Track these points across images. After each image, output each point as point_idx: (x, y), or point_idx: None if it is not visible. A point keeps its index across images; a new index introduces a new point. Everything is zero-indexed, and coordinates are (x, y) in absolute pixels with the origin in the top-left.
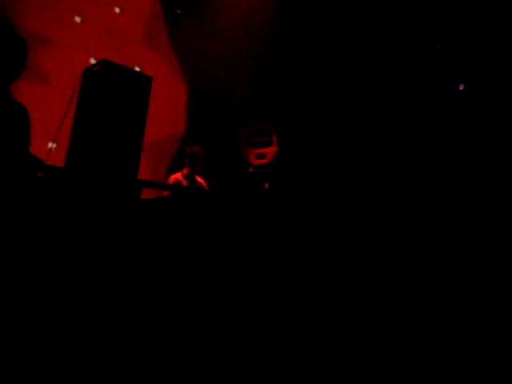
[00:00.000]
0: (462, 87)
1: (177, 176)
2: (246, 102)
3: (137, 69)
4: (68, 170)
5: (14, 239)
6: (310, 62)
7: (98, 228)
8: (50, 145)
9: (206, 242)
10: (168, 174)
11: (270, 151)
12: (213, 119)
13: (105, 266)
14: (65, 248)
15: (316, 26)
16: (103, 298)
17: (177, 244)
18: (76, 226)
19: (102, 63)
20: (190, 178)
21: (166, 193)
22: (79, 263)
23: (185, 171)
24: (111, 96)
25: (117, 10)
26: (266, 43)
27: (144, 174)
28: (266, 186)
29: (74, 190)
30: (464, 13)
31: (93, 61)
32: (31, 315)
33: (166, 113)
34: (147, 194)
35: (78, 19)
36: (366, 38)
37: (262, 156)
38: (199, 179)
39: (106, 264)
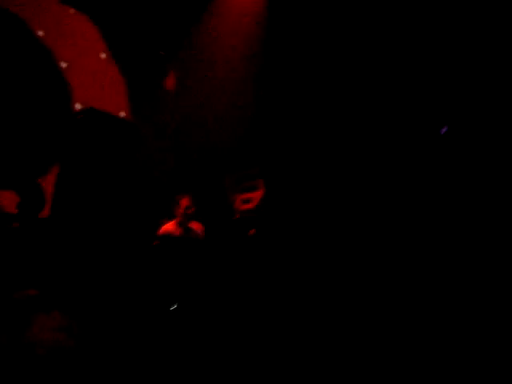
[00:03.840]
0: (444, 130)
1: (168, 226)
2: (233, 147)
3: (122, 114)
4: (52, 220)
5: None
6: (295, 109)
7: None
8: None
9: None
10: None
11: (257, 196)
12: (199, 164)
13: None
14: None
15: (298, 73)
16: None
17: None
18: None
19: (87, 111)
20: (182, 225)
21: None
22: None
23: (176, 220)
24: (96, 144)
25: (103, 55)
26: (253, 91)
27: None
28: (252, 232)
29: (57, 238)
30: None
31: (78, 106)
32: None
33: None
34: None
35: (63, 64)
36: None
37: (248, 201)
38: (195, 225)
39: None
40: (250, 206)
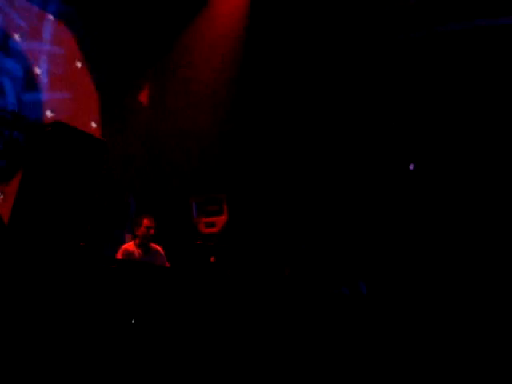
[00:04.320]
0: (411, 167)
1: (128, 246)
2: (198, 170)
3: (93, 125)
4: (10, 229)
5: None
6: (261, 134)
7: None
8: None
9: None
10: None
11: (220, 220)
12: (164, 186)
13: None
14: None
15: (271, 100)
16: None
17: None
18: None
19: (54, 124)
20: (142, 246)
21: (118, 255)
22: None
23: (137, 241)
24: (62, 158)
25: (78, 64)
26: (221, 113)
27: None
28: (212, 259)
29: (15, 249)
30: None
31: (49, 113)
32: None
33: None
34: None
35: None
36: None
37: (212, 225)
38: (154, 246)
39: None
40: (213, 230)
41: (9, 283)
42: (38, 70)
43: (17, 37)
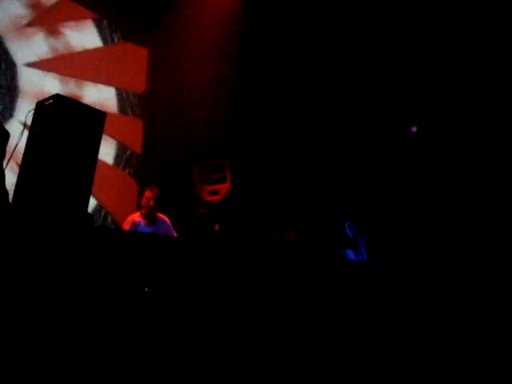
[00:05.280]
0: (414, 129)
1: (134, 217)
2: (201, 137)
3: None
4: (14, 204)
5: None
6: (266, 100)
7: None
8: None
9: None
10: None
11: (223, 188)
12: (167, 154)
13: None
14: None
15: (273, 67)
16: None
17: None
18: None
19: (55, 97)
20: (149, 216)
21: (125, 225)
22: None
23: (143, 211)
24: (63, 131)
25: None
26: (224, 80)
27: None
28: (217, 227)
29: (20, 223)
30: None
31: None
32: None
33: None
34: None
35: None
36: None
37: (215, 193)
38: (161, 216)
39: None
40: (216, 197)
41: (15, 256)
42: None
43: None
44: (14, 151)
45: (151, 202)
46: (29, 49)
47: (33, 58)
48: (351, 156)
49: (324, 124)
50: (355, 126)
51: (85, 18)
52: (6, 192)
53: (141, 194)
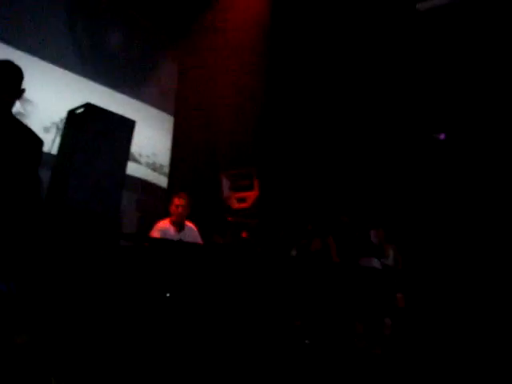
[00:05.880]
0: (443, 137)
1: (164, 223)
2: (229, 145)
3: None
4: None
5: None
6: (294, 107)
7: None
8: None
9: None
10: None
11: (251, 196)
12: (196, 161)
13: None
14: None
15: (301, 72)
16: None
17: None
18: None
19: (86, 106)
20: (178, 223)
21: (153, 232)
22: None
23: (172, 218)
24: (94, 139)
25: None
26: (252, 88)
27: None
28: (245, 235)
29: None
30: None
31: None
32: None
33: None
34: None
35: None
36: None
37: (243, 200)
38: (189, 224)
39: None
40: (244, 205)
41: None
42: None
43: None
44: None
45: (180, 209)
46: None
47: None
48: (379, 164)
49: (352, 132)
50: (384, 135)
51: None
52: (40, 199)
53: (169, 202)
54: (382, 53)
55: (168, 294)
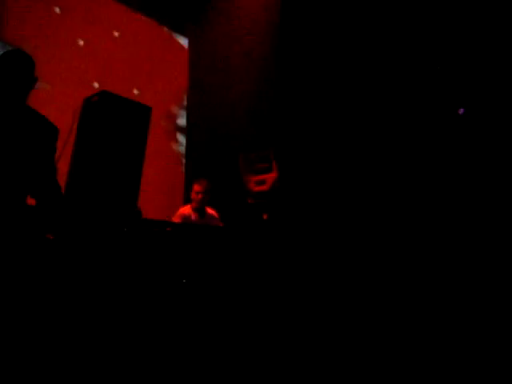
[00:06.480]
0: (461, 111)
1: (185, 209)
2: (246, 127)
3: (135, 92)
4: (67, 201)
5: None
6: (310, 88)
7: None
8: None
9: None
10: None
11: (270, 178)
12: (213, 145)
13: None
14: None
15: (316, 52)
16: None
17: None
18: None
19: (101, 94)
20: (199, 210)
21: (175, 218)
22: None
23: (193, 204)
24: (110, 127)
25: (115, 33)
26: (267, 69)
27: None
28: (265, 217)
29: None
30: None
31: (96, 85)
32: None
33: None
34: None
35: (80, 42)
36: (364, 65)
37: (262, 182)
38: (210, 210)
39: None
40: (263, 187)
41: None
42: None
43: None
44: (63, 147)
45: (200, 196)
46: None
47: None
48: (397, 145)
49: (370, 111)
50: (400, 115)
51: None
52: (58, 186)
53: (189, 188)
54: (396, 27)
55: (184, 280)
